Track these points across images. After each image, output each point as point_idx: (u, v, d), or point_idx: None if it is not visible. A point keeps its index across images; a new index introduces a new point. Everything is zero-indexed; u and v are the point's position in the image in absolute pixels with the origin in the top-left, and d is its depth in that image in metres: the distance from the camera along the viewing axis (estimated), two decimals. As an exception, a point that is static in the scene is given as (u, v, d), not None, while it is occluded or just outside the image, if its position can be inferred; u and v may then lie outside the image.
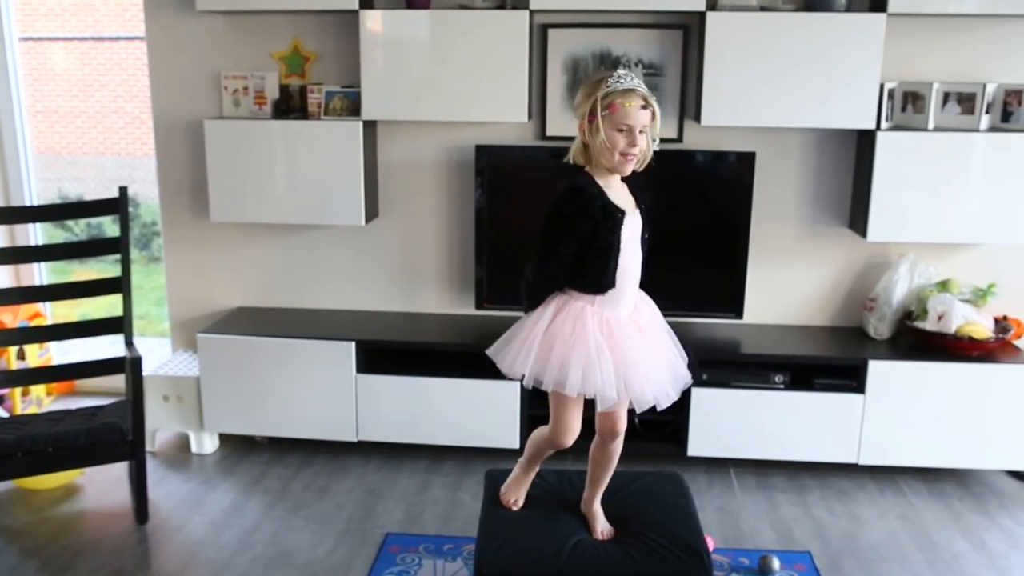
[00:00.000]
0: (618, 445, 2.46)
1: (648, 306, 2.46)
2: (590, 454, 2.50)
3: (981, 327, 3.39)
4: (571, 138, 2.33)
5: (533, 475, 2.58)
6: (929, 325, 3.44)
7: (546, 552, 2.33)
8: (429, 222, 3.84)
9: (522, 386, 3.42)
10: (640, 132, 2.20)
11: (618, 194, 2.30)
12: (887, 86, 3.36)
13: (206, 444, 3.76)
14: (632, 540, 2.35)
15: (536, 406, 3.47)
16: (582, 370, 2.26)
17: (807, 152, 3.64)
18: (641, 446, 3.51)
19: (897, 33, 3.40)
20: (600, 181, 2.27)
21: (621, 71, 2.21)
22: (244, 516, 3.24)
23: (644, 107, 2.20)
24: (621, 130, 2.19)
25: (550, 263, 2.28)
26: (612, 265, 2.28)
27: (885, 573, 2.90)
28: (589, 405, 2.39)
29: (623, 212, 2.27)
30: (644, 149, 2.24)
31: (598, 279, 2.29)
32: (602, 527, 2.46)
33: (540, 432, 2.52)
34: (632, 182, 2.35)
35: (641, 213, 2.34)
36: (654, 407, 2.35)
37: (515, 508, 2.51)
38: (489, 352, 2.43)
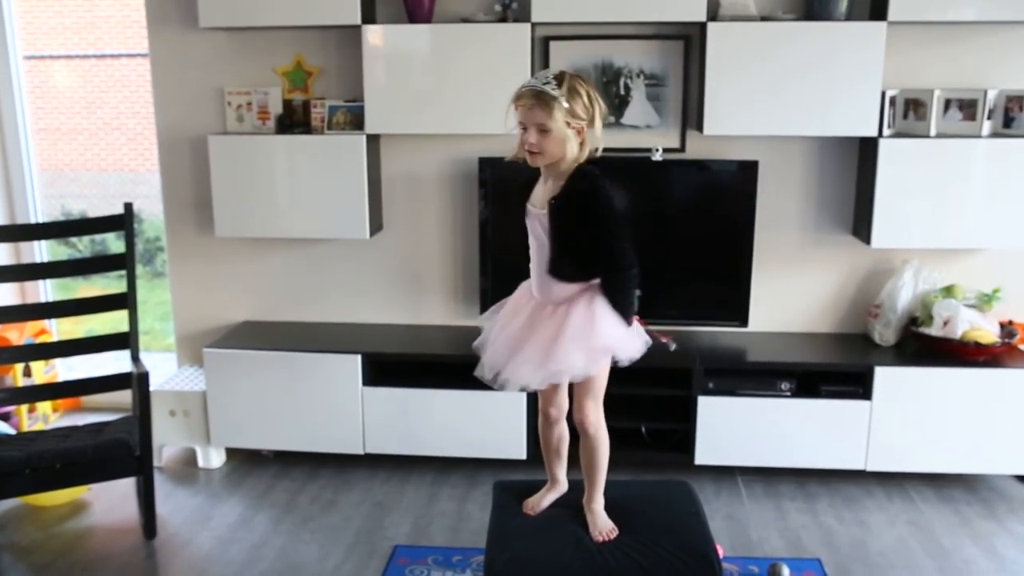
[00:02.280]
0: (595, 442, 2.47)
1: (570, 305, 2.40)
2: (580, 453, 2.54)
3: (987, 332, 3.39)
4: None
5: (560, 490, 2.60)
6: (934, 331, 3.44)
7: (555, 562, 2.33)
8: (433, 234, 3.85)
9: (528, 397, 3.45)
10: (538, 129, 2.28)
11: (540, 188, 2.43)
12: (888, 93, 3.38)
13: (213, 458, 3.76)
14: (642, 549, 2.34)
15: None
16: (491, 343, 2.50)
17: (810, 160, 3.65)
18: (648, 455, 3.51)
19: (898, 41, 3.41)
20: (542, 175, 2.42)
21: (538, 73, 2.34)
22: (252, 530, 3.24)
23: (531, 107, 2.27)
24: (523, 128, 2.32)
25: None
26: (525, 250, 2.47)
27: (895, 580, 2.90)
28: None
29: (526, 201, 2.45)
30: (544, 147, 2.30)
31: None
32: (600, 528, 2.43)
33: (539, 421, 2.62)
34: (583, 180, 2.34)
35: (551, 208, 2.36)
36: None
37: (531, 514, 2.52)
38: None
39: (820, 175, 3.66)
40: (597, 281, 2.40)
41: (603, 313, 2.35)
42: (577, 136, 2.30)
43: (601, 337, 2.34)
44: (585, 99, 2.30)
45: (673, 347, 2.58)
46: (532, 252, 2.46)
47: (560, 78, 2.29)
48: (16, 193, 4.27)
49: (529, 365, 2.38)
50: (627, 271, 2.35)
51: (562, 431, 2.57)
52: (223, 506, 3.43)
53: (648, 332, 2.47)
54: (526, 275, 2.52)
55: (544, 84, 2.27)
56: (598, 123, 2.33)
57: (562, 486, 2.59)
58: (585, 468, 2.51)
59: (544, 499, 2.56)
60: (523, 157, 2.37)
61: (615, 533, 2.43)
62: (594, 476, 2.50)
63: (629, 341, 2.40)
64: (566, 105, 2.26)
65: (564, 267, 2.39)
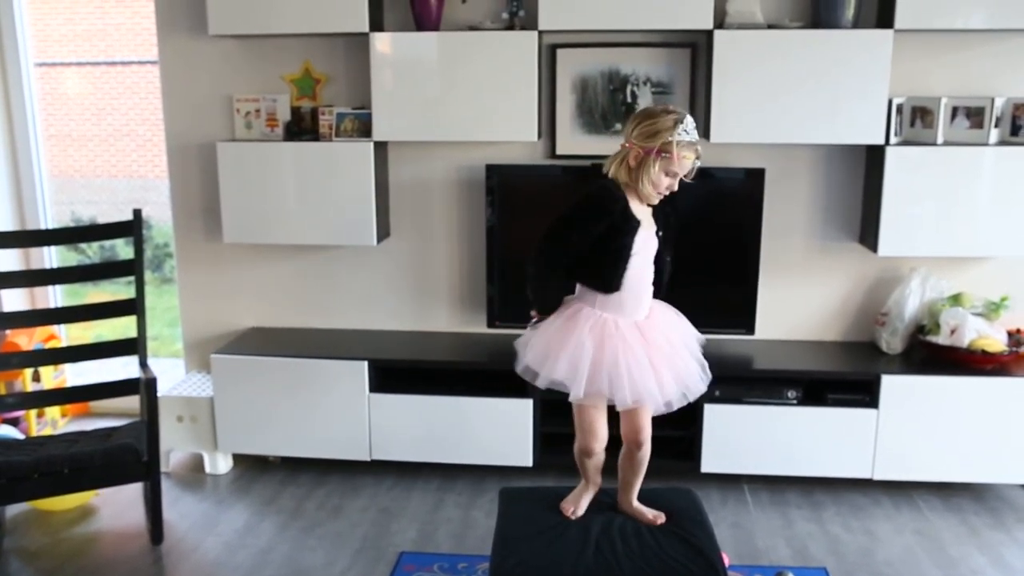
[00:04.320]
0: (645, 454, 2.55)
1: (666, 319, 2.55)
2: (619, 463, 2.59)
3: (994, 340, 3.38)
4: (581, 157, 2.37)
5: (594, 490, 2.61)
6: (942, 339, 3.43)
7: (561, 569, 2.32)
8: (440, 241, 3.86)
9: (535, 404, 3.45)
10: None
11: (638, 209, 2.44)
12: (895, 101, 3.37)
13: (220, 464, 3.77)
14: (648, 557, 2.34)
15: (549, 424, 3.47)
16: (558, 361, 2.41)
17: (817, 168, 3.65)
18: (654, 463, 3.47)
19: (905, 49, 3.41)
20: (628, 194, 2.42)
21: (689, 119, 2.38)
22: (258, 536, 3.24)
23: (697, 158, 2.39)
24: (669, 174, 2.37)
25: (558, 245, 2.42)
26: (621, 267, 2.41)
27: (902, 589, 2.89)
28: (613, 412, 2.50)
29: (639, 222, 2.41)
30: (670, 189, 2.43)
31: (607, 278, 2.42)
32: (652, 513, 2.53)
33: (575, 449, 2.60)
34: (659, 210, 2.50)
35: (657, 236, 2.48)
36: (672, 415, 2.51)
37: (573, 517, 2.53)
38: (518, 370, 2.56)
39: (827, 183, 3.66)
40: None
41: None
42: None
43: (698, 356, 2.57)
44: None
45: None
46: (635, 270, 2.44)
47: None
48: (26, 199, 4.30)
49: (665, 380, 2.44)
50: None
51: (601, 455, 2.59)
52: (230, 512, 3.44)
53: None
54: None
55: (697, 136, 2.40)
56: None
57: (597, 486, 2.62)
58: (630, 475, 2.58)
59: (583, 499, 2.58)
60: (654, 198, 2.42)
61: (663, 516, 2.53)
62: (636, 482, 2.58)
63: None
64: None
65: (654, 285, 2.52)
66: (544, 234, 2.43)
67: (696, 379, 2.51)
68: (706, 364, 2.56)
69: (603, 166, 2.46)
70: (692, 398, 2.51)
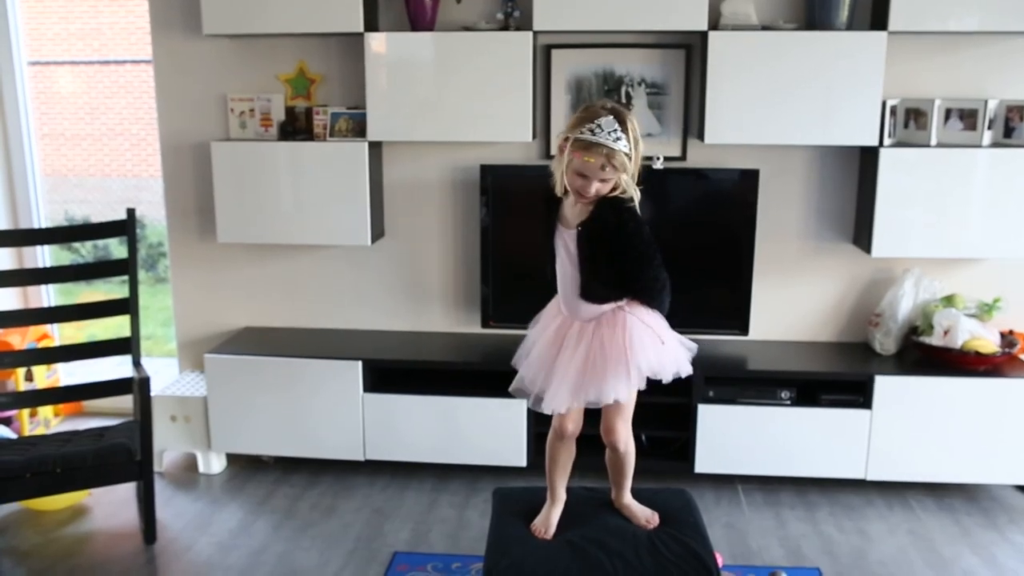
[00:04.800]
0: (623, 455, 2.53)
1: (613, 325, 2.40)
2: (606, 460, 2.59)
3: (987, 342, 3.39)
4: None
5: (561, 504, 2.56)
6: (935, 340, 3.44)
7: (554, 570, 2.33)
8: (435, 241, 3.86)
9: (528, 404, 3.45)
10: (601, 181, 2.28)
11: (572, 208, 2.39)
12: (889, 103, 3.38)
13: (213, 464, 3.76)
14: (642, 557, 2.34)
15: (543, 424, 3.46)
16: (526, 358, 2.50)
17: (810, 169, 3.66)
18: (648, 463, 3.50)
19: (898, 50, 3.42)
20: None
21: (604, 120, 2.24)
22: (252, 536, 3.24)
23: (602, 165, 2.24)
24: (579, 174, 2.28)
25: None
26: (550, 266, 2.48)
27: (895, 589, 2.89)
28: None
29: (556, 222, 2.43)
30: (601, 191, 2.30)
31: (550, 276, 2.51)
32: (645, 516, 2.52)
33: (548, 435, 2.60)
34: (610, 203, 2.34)
35: (578, 234, 2.37)
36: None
37: (548, 537, 2.47)
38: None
39: (821, 184, 3.66)
40: (624, 302, 2.41)
41: (640, 336, 2.37)
42: (633, 179, 2.31)
43: (642, 362, 2.36)
44: (636, 139, 2.29)
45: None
46: (559, 271, 2.45)
47: (622, 124, 2.25)
48: (20, 198, 4.28)
49: (566, 388, 2.38)
50: (662, 295, 2.39)
51: (572, 447, 2.58)
52: (223, 512, 3.43)
53: None
54: (535, 285, 2.54)
55: (615, 141, 2.23)
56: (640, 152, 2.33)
57: (563, 500, 2.58)
58: (617, 474, 2.58)
59: (552, 518, 2.52)
60: (570, 192, 2.34)
61: (656, 516, 2.51)
62: (625, 480, 2.57)
63: (669, 359, 2.42)
64: (632, 156, 2.27)
65: (593, 290, 2.40)
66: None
67: (608, 384, 2.37)
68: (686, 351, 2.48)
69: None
70: (606, 400, 2.39)
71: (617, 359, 2.35)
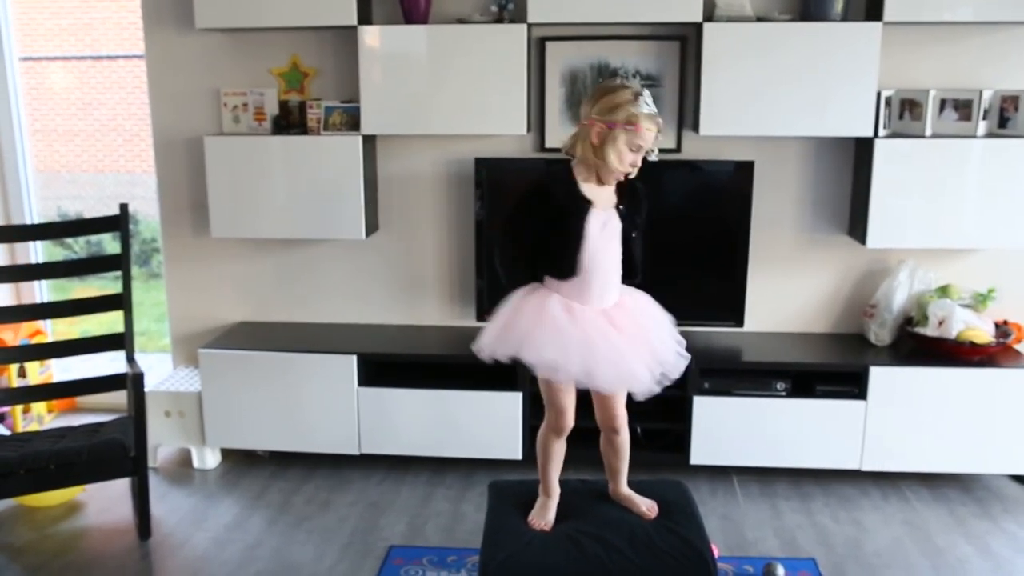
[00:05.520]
0: (624, 439, 2.56)
1: (635, 304, 2.50)
2: (601, 450, 2.61)
3: (982, 332, 3.39)
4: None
5: (556, 498, 2.55)
6: (930, 331, 3.44)
7: (551, 562, 2.33)
8: (429, 235, 3.85)
9: (524, 397, 3.45)
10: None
11: (594, 190, 2.40)
12: (884, 94, 3.38)
13: (208, 459, 3.75)
14: (638, 549, 2.34)
15: (538, 416, 3.46)
16: (541, 342, 2.36)
17: (805, 160, 3.65)
18: (644, 455, 3.49)
19: (893, 41, 3.42)
20: (579, 175, 2.39)
21: (647, 92, 2.33)
22: (247, 531, 3.23)
23: (659, 131, 2.35)
24: (633, 149, 2.32)
25: (508, 238, 2.48)
26: (573, 252, 2.37)
27: (890, 579, 2.90)
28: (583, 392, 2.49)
29: (590, 203, 2.38)
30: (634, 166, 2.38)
31: (561, 264, 2.39)
32: (646, 505, 2.53)
33: (541, 431, 2.58)
34: (625, 188, 2.44)
35: (620, 214, 2.42)
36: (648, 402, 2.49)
37: (547, 530, 2.47)
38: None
39: (816, 175, 3.66)
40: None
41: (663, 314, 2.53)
42: None
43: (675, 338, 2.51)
44: None
45: None
46: (595, 255, 2.38)
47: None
48: (12, 194, 4.26)
49: (640, 365, 2.41)
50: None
51: (564, 442, 2.58)
52: (218, 507, 3.42)
53: None
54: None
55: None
56: None
57: (558, 493, 2.57)
58: (615, 461, 2.59)
59: (549, 512, 2.52)
60: (620, 175, 2.37)
61: (656, 506, 2.53)
62: (622, 468, 2.59)
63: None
64: None
65: (636, 267, 2.50)
66: (498, 231, 2.49)
67: (673, 359, 2.47)
68: (683, 342, 2.53)
69: (562, 149, 2.44)
70: (671, 379, 2.47)
71: (668, 334, 2.50)
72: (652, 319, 2.50)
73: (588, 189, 2.39)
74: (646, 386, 2.42)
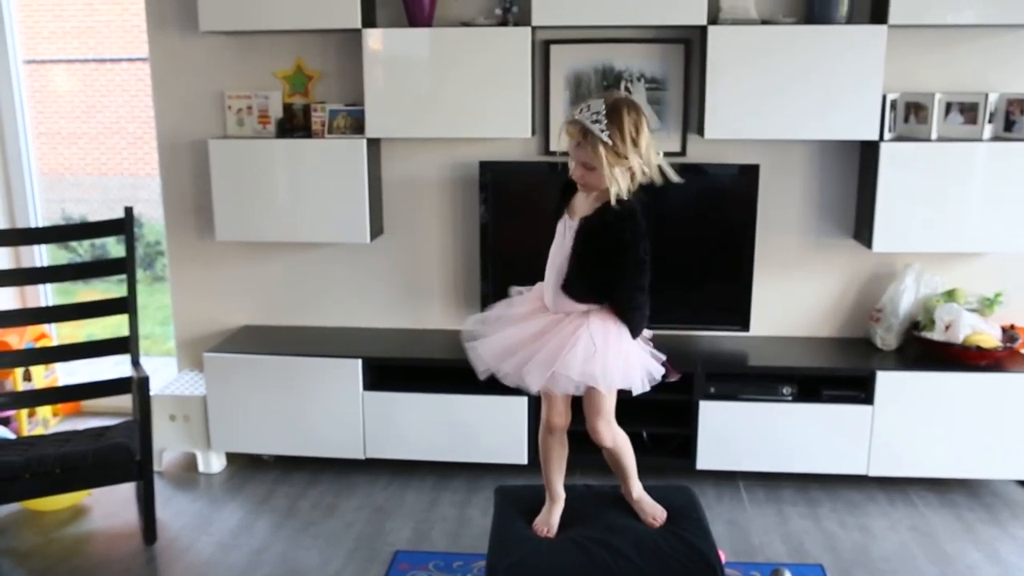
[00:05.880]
0: (615, 449, 2.50)
1: (583, 317, 2.37)
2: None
3: (989, 336, 3.38)
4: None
5: (560, 503, 2.54)
6: (936, 335, 3.43)
7: (558, 568, 2.32)
8: (434, 238, 3.84)
9: (530, 401, 3.44)
10: (583, 166, 2.26)
11: (580, 196, 2.38)
12: (889, 97, 3.37)
13: (213, 463, 3.75)
14: (645, 554, 2.34)
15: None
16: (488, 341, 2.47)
17: (811, 164, 3.64)
18: (649, 460, 3.49)
19: (898, 44, 3.41)
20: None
21: (593, 102, 2.23)
22: (252, 535, 3.23)
23: (578, 143, 2.24)
24: (574, 158, 2.30)
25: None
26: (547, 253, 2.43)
27: (898, 585, 2.89)
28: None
29: (563, 210, 2.40)
30: (586, 181, 2.28)
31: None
32: (653, 513, 2.50)
33: (539, 431, 2.59)
34: (612, 213, 2.28)
35: (580, 226, 2.34)
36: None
37: (551, 536, 2.46)
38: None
39: (821, 179, 3.65)
40: (598, 307, 2.38)
41: (585, 342, 2.32)
42: (626, 172, 2.24)
43: (572, 366, 2.31)
44: (630, 133, 2.21)
45: (675, 377, 2.53)
46: (550, 257, 2.41)
47: (612, 110, 2.20)
48: (16, 197, 4.26)
49: (539, 368, 2.35)
50: (634, 316, 2.35)
51: (564, 442, 2.56)
52: (223, 511, 3.42)
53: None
54: (537, 277, 2.51)
55: (593, 122, 2.20)
56: (646, 149, 2.25)
57: (562, 498, 2.56)
58: (614, 469, 2.57)
59: (553, 517, 2.51)
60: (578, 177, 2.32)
61: (664, 514, 2.50)
62: (626, 472, 2.56)
63: (640, 369, 2.40)
64: (610, 143, 2.20)
65: (574, 287, 2.36)
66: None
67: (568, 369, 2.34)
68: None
69: None
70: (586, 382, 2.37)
71: (554, 353, 2.32)
72: (570, 334, 2.36)
73: (580, 198, 2.37)
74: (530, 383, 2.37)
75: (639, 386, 2.40)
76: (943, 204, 3.37)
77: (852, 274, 3.73)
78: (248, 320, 4.00)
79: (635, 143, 2.23)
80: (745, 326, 3.62)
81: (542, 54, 3.60)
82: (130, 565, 3.05)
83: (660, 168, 2.30)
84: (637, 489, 2.56)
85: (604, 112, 2.21)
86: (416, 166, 3.78)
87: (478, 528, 3.22)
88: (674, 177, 2.31)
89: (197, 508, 3.44)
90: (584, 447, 2.61)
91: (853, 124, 3.35)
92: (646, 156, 2.26)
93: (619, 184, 2.23)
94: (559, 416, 2.51)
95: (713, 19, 3.38)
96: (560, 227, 2.42)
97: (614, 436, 2.49)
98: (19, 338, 4.01)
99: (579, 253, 2.34)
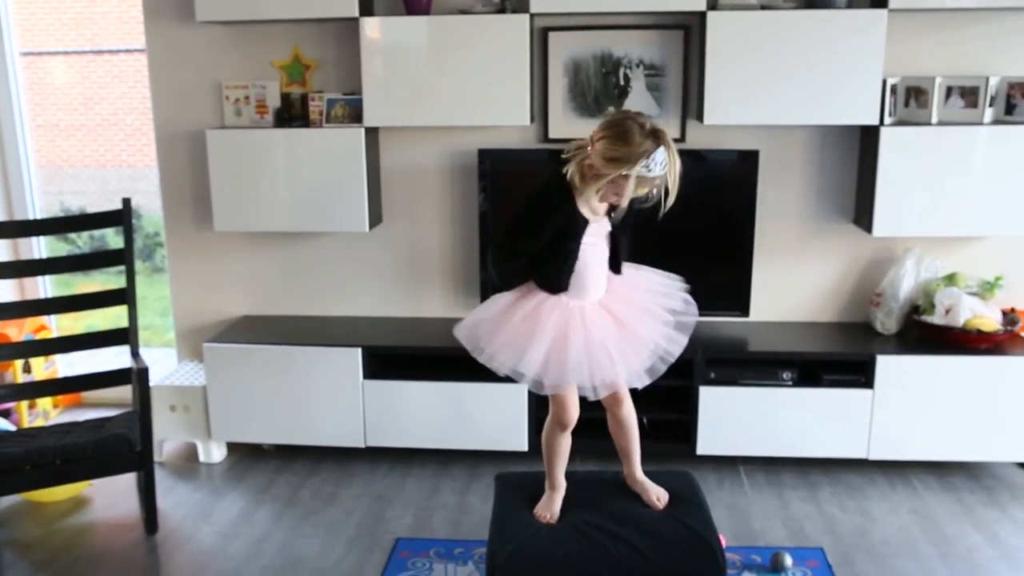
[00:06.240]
0: (628, 411, 2.55)
1: (625, 283, 2.49)
2: (610, 431, 2.59)
3: (989, 320, 3.38)
4: (574, 140, 2.34)
5: (561, 491, 2.54)
6: (937, 319, 3.43)
7: (558, 554, 2.32)
8: (433, 227, 3.84)
9: (530, 389, 3.44)
10: (618, 194, 2.30)
11: (591, 203, 2.37)
12: (890, 81, 3.36)
13: (214, 453, 3.75)
14: (646, 539, 2.34)
15: (543, 408, 3.45)
16: (538, 363, 2.36)
17: (811, 149, 3.63)
18: (650, 446, 3.48)
19: (899, 28, 3.40)
20: (579, 194, 2.34)
21: (659, 152, 2.21)
22: (253, 525, 3.23)
23: (653, 190, 2.28)
24: (614, 195, 2.30)
25: (515, 241, 2.40)
26: (567, 271, 2.38)
27: (898, 568, 2.89)
28: None
29: (586, 221, 2.36)
30: (613, 198, 2.33)
31: (554, 281, 2.41)
32: (656, 494, 2.50)
33: (546, 425, 2.57)
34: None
35: (609, 217, 2.42)
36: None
37: (552, 522, 2.46)
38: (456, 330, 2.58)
39: (821, 164, 3.64)
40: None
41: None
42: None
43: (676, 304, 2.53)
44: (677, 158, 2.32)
45: None
46: (586, 259, 2.39)
47: (667, 147, 2.26)
48: (14, 189, 4.26)
49: (637, 357, 2.42)
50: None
51: (569, 436, 2.57)
52: (224, 501, 3.42)
53: None
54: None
55: (663, 168, 2.26)
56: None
57: (563, 487, 2.56)
58: (624, 441, 2.58)
59: (555, 505, 2.51)
60: (608, 202, 2.35)
61: (667, 496, 2.51)
62: (633, 448, 2.58)
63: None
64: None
65: (620, 261, 2.48)
66: (503, 232, 2.45)
67: (668, 341, 2.47)
68: (691, 302, 2.56)
69: (563, 151, 2.35)
70: (670, 360, 2.47)
71: (661, 306, 2.49)
72: (646, 293, 2.51)
73: (584, 203, 2.35)
74: (639, 375, 2.44)
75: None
76: (943, 188, 3.36)
77: (852, 259, 3.72)
78: (247, 310, 3.99)
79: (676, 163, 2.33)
80: (745, 311, 3.62)
81: (540, 41, 3.59)
82: (131, 555, 3.05)
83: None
84: (640, 470, 2.57)
85: (666, 157, 2.25)
86: (415, 154, 3.77)
87: (478, 515, 3.22)
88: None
89: (198, 498, 3.45)
90: (583, 433, 2.61)
91: (853, 109, 3.34)
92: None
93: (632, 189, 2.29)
94: (575, 412, 2.51)
95: (712, 4, 3.36)
96: (587, 238, 2.37)
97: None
98: (19, 330, 4.01)
99: (617, 236, 2.44)
